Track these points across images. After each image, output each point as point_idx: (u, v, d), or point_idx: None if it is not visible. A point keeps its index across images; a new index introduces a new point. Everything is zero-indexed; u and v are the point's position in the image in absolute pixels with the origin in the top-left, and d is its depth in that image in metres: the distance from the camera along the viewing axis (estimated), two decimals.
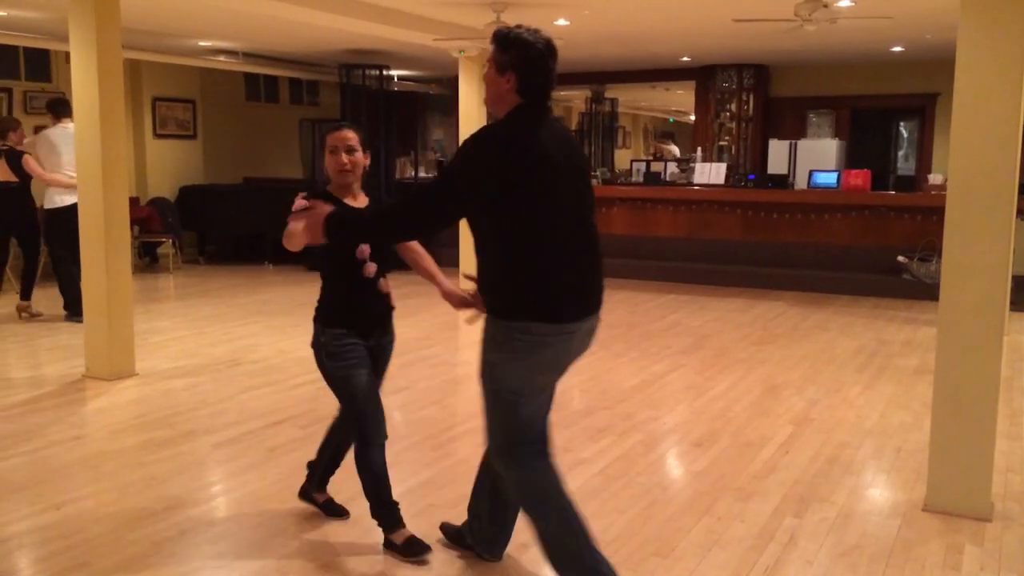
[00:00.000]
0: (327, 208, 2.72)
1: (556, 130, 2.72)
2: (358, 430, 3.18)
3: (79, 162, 5.68)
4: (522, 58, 2.64)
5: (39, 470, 4.04)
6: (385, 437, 3.21)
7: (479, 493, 3.09)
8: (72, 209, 6.57)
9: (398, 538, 3.19)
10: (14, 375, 5.79)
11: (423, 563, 3.13)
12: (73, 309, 7.21)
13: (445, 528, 3.32)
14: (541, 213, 2.59)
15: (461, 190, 2.61)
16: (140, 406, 5.10)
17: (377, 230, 2.81)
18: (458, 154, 2.66)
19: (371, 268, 3.16)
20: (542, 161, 2.59)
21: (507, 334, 2.65)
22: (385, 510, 3.22)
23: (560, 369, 2.79)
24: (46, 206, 7.24)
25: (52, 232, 7.28)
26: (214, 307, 8.26)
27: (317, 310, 3.23)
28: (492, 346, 2.71)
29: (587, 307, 2.72)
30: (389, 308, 3.31)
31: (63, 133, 7.16)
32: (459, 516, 3.53)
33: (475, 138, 2.63)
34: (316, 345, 3.21)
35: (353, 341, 3.16)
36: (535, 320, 2.61)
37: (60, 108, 7.36)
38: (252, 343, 6.71)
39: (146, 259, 10.95)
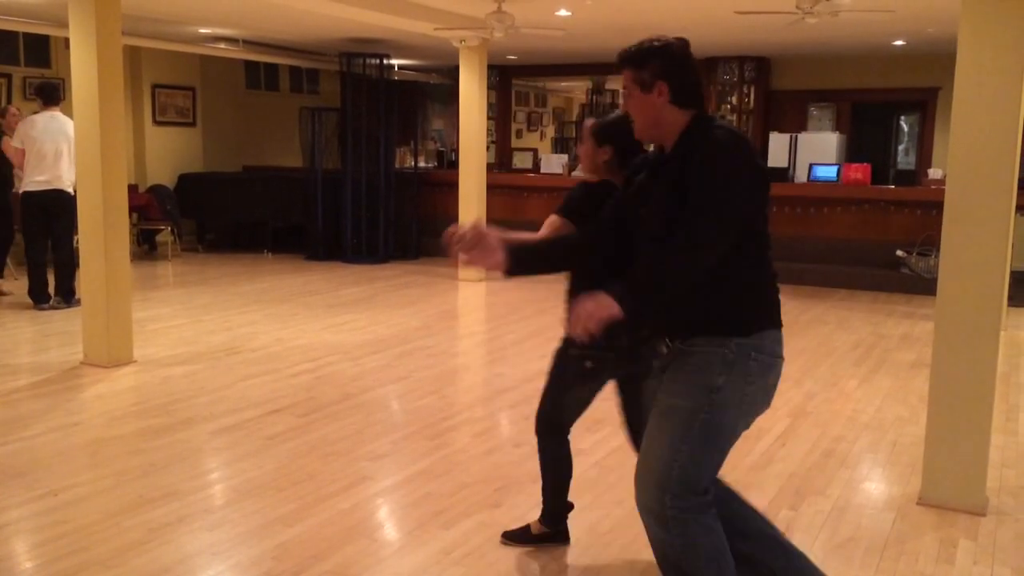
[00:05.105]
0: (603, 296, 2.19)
1: None
2: None
3: (78, 149, 5.67)
4: (667, 63, 2.34)
5: (36, 456, 4.05)
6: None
7: None
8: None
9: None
10: (12, 361, 5.79)
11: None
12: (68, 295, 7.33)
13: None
14: (765, 219, 2.39)
15: (750, 197, 2.28)
16: (138, 393, 5.11)
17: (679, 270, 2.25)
18: (725, 162, 2.23)
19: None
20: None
21: (743, 353, 2.33)
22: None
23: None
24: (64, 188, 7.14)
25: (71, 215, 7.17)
26: (213, 295, 8.26)
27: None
28: (720, 368, 2.33)
29: None
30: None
31: (46, 120, 7.11)
32: (456, 505, 3.54)
33: (727, 143, 2.26)
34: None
35: None
36: (771, 328, 2.37)
37: (47, 95, 7.30)
38: (251, 331, 6.72)
39: (145, 247, 10.93)
